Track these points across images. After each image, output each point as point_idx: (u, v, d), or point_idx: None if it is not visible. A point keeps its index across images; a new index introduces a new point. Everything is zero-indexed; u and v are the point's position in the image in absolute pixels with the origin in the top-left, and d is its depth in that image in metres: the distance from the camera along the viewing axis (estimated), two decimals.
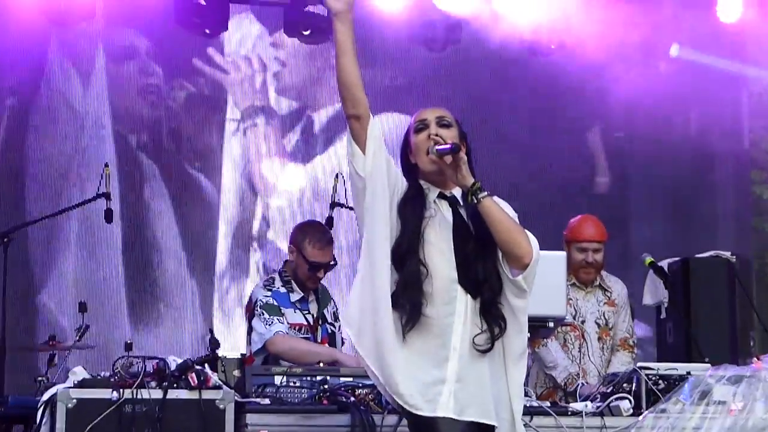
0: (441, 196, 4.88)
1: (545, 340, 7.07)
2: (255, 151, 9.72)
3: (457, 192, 4.89)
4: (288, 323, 6.70)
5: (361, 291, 4.78)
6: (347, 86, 4.75)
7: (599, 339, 7.24)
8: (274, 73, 9.84)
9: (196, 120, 9.61)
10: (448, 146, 4.76)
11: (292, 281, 6.80)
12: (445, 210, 4.86)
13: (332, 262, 6.82)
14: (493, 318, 4.78)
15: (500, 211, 4.79)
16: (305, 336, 6.73)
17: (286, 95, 9.85)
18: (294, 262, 6.81)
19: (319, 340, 6.75)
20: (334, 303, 7.01)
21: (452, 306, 4.75)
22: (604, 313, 7.26)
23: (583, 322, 7.22)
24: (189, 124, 9.59)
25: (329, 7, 4.76)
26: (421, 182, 4.90)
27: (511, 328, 4.81)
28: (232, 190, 9.68)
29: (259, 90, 9.76)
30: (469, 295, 4.77)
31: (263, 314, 6.67)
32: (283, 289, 6.79)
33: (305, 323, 6.76)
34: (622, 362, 7.15)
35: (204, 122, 9.65)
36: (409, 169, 4.93)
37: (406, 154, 4.95)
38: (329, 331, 6.82)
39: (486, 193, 4.77)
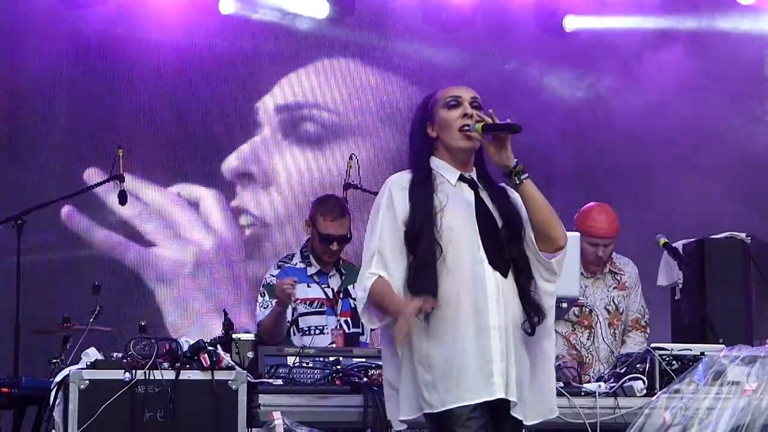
0: (461, 178, 4.85)
1: None
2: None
3: (474, 175, 4.86)
4: (299, 299, 6.73)
5: None
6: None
7: (609, 324, 7.21)
8: None
9: None
10: (505, 123, 4.67)
11: (311, 256, 6.86)
12: (467, 192, 4.83)
13: (347, 235, 6.83)
14: (531, 305, 4.79)
15: (540, 193, 4.78)
16: (320, 309, 6.76)
17: None
18: (311, 237, 6.87)
19: (339, 313, 6.78)
20: None
21: (482, 285, 4.72)
22: (613, 299, 7.23)
23: (590, 311, 7.19)
24: None
25: (404, 313, 4.63)
26: (433, 164, 4.87)
27: None
28: None
29: None
30: (498, 273, 4.74)
31: (264, 295, 6.77)
32: (300, 264, 6.86)
33: (322, 297, 6.80)
34: (635, 342, 7.12)
35: None
36: (424, 143, 4.87)
37: (424, 126, 4.88)
38: (352, 305, 6.83)
39: (527, 174, 4.74)
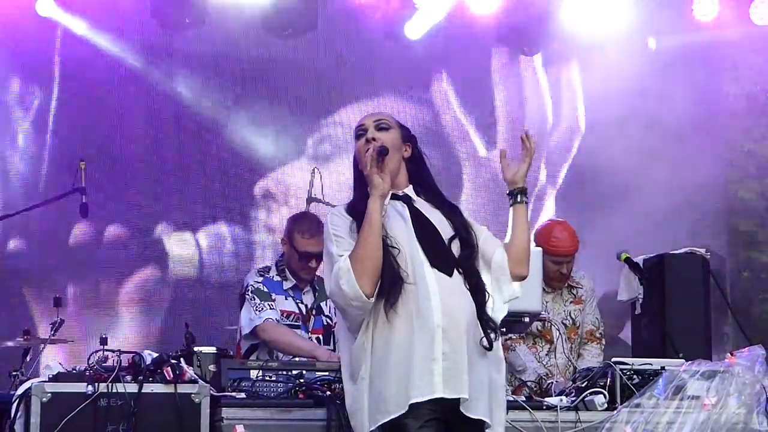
0: (394, 196, 4.96)
1: (513, 344, 7.13)
2: None
3: (408, 191, 5.00)
4: (278, 309, 6.74)
5: None
6: (377, 264, 4.76)
7: (567, 339, 7.28)
8: None
9: None
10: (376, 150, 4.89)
11: (287, 270, 6.85)
12: (399, 207, 4.96)
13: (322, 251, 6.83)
14: (488, 322, 4.91)
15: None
16: (295, 323, 6.77)
17: None
18: (287, 254, 6.86)
19: (310, 330, 6.79)
20: None
21: (424, 286, 4.81)
22: (570, 313, 7.31)
23: (550, 326, 7.26)
24: None
25: (375, 184, 4.80)
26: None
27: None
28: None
29: None
30: (441, 273, 4.83)
31: (254, 299, 6.74)
32: (277, 278, 6.85)
33: (297, 311, 6.80)
34: (592, 355, 7.23)
35: None
36: (358, 174, 5.03)
37: (356, 160, 5.05)
38: (324, 323, 6.83)
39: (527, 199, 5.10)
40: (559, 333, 7.24)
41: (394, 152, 4.96)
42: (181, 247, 9.32)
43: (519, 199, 5.06)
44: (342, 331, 4.98)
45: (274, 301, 6.76)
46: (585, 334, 7.33)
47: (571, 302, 7.34)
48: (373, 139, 4.93)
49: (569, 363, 7.22)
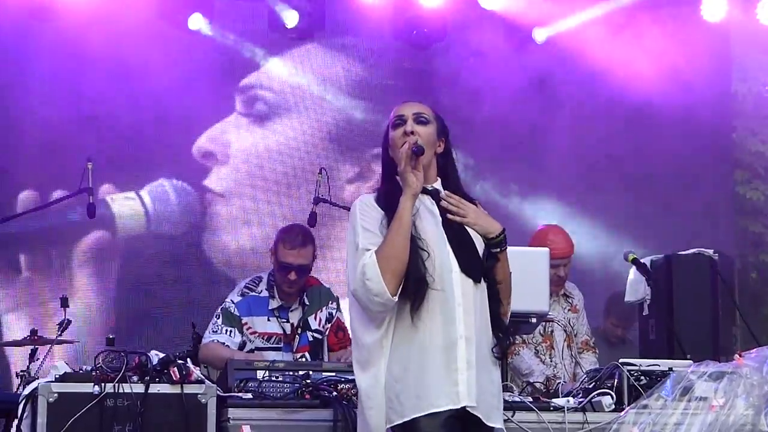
0: (423, 190, 4.89)
1: (517, 348, 7.14)
2: None
3: (438, 185, 4.92)
4: (257, 332, 6.67)
5: None
6: (403, 265, 4.70)
7: (567, 346, 7.33)
8: None
9: None
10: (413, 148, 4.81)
11: (275, 287, 6.76)
12: (429, 203, 4.88)
13: (308, 265, 6.72)
14: (501, 329, 4.88)
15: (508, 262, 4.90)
16: (276, 345, 6.68)
17: None
18: (273, 265, 6.78)
19: (295, 349, 6.71)
20: (337, 304, 6.87)
21: (451, 295, 4.76)
22: (569, 320, 7.37)
23: (552, 331, 7.29)
24: None
25: (410, 183, 4.74)
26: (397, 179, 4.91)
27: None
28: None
29: None
30: (471, 281, 4.78)
31: (218, 319, 6.67)
32: (265, 293, 6.76)
33: (280, 332, 6.71)
34: (590, 363, 7.29)
35: None
36: (389, 162, 4.94)
37: (386, 149, 4.95)
38: (310, 338, 6.76)
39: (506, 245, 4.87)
40: (553, 347, 7.30)
41: (429, 149, 4.87)
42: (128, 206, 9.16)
43: (499, 249, 4.89)
44: (356, 314, 4.85)
45: (244, 325, 6.65)
46: (580, 344, 7.39)
47: (569, 310, 7.42)
48: (412, 133, 4.84)
49: (570, 370, 7.25)
